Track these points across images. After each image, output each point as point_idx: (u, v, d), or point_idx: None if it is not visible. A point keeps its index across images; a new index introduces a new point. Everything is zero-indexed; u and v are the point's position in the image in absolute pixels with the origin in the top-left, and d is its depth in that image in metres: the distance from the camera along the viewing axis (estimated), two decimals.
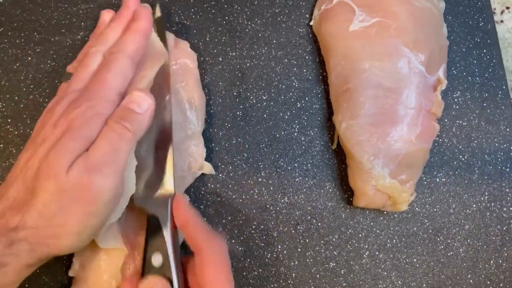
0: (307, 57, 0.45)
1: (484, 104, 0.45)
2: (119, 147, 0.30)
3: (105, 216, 0.31)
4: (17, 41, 0.43)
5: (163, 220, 0.34)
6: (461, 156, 0.44)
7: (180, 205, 0.34)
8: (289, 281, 0.41)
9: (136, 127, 0.32)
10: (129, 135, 0.31)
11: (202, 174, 0.42)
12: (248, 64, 0.45)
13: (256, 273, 0.41)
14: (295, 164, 0.43)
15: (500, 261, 0.42)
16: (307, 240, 0.42)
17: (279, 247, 0.41)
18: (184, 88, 0.41)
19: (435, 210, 0.43)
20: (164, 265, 0.32)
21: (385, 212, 0.43)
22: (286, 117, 0.44)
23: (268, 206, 0.42)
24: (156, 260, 0.32)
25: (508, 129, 0.45)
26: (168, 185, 0.35)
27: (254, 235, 0.41)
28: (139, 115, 0.32)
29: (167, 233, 0.33)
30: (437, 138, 0.44)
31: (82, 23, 0.44)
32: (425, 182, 0.43)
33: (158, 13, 0.41)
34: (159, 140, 0.36)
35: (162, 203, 0.34)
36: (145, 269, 0.32)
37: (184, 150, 0.40)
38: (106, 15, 0.39)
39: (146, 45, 0.36)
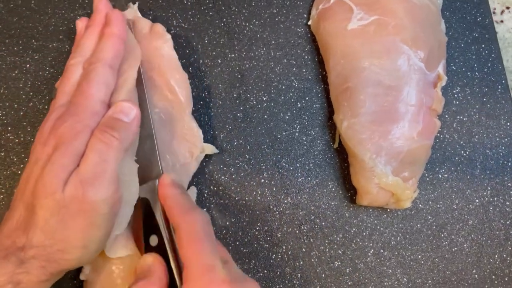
0: (306, 57, 0.45)
1: (484, 99, 0.45)
2: (107, 157, 0.31)
3: (108, 226, 0.31)
4: (15, 48, 0.43)
5: (153, 201, 0.34)
6: (462, 152, 0.44)
7: (163, 184, 0.33)
8: (294, 282, 0.41)
9: (123, 135, 0.32)
10: (116, 143, 0.31)
11: (203, 175, 0.42)
12: (247, 66, 0.45)
13: (261, 274, 0.41)
14: (297, 164, 0.43)
15: (505, 255, 0.42)
16: (312, 240, 0.42)
17: (284, 247, 0.41)
18: (162, 72, 0.40)
19: (438, 206, 0.43)
20: (160, 245, 0.33)
21: (388, 210, 0.43)
22: (287, 117, 0.44)
23: (271, 207, 0.42)
24: (153, 240, 0.33)
25: (508, 123, 0.45)
26: (155, 165, 0.36)
27: (258, 236, 0.41)
28: (126, 123, 0.32)
29: (157, 214, 0.34)
30: (438, 134, 0.44)
31: None
32: (427, 179, 0.43)
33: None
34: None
35: (151, 185, 0.35)
36: (145, 250, 0.34)
37: (181, 136, 0.40)
38: (81, 24, 0.39)
39: (123, 49, 0.36)
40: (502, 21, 0.50)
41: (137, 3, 0.42)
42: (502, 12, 0.50)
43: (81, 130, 0.31)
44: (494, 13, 0.50)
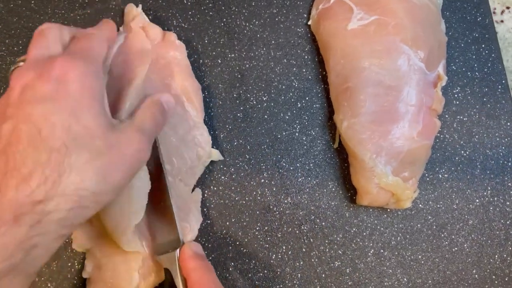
0: (306, 57, 0.45)
1: (484, 99, 0.45)
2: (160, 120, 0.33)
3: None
4: (15, 48, 0.43)
5: (174, 272, 0.35)
6: (462, 152, 0.44)
7: (183, 257, 0.34)
8: (294, 281, 0.41)
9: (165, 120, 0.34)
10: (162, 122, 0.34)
11: (203, 175, 0.42)
12: (247, 66, 0.45)
13: (261, 274, 0.41)
14: (297, 164, 0.43)
15: (505, 255, 0.42)
16: (312, 240, 0.42)
17: (284, 247, 0.41)
18: (175, 80, 0.41)
19: (438, 206, 0.43)
20: None
21: (388, 210, 0.43)
22: (287, 117, 0.44)
23: (271, 207, 0.42)
24: None
25: (509, 123, 0.45)
26: (175, 236, 0.36)
27: (258, 236, 0.41)
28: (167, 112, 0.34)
29: (179, 285, 0.34)
30: (438, 134, 0.44)
31: None
32: (427, 179, 0.43)
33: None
34: (156, 188, 0.36)
35: (171, 256, 0.35)
36: None
37: (190, 141, 0.40)
38: None
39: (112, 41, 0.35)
40: (502, 21, 0.50)
41: (140, 5, 0.42)
42: (502, 12, 0.50)
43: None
44: (494, 13, 0.50)
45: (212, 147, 0.42)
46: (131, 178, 0.30)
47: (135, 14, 0.41)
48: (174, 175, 0.39)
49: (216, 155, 0.41)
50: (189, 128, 0.40)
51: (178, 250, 0.35)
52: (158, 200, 0.37)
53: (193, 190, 0.41)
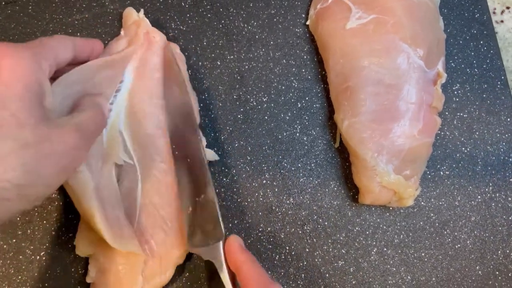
0: (305, 57, 0.45)
1: (484, 95, 0.45)
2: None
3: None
4: None
5: (219, 265, 0.35)
6: (463, 148, 0.44)
7: (232, 250, 0.34)
8: (298, 282, 0.41)
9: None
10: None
11: None
12: (246, 67, 0.45)
13: None
14: (299, 165, 0.43)
15: (508, 251, 0.42)
16: (315, 240, 0.42)
17: (287, 248, 0.41)
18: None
19: (440, 203, 0.43)
20: None
21: (391, 208, 0.43)
22: (287, 117, 0.44)
23: (274, 208, 0.42)
24: None
25: (509, 119, 0.45)
26: (218, 228, 0.36)
27: (261, 237, 0.41)
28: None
29: (224, 277, 0.34)
30: (439, 132, 0.44)
31: (78, 34, 0.44)
32: (429, 176, 0.43)
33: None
34: (196, 180, 0.37)
35: (214, 248, 0.35)
36: None
37: None
38: None
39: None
40: (502, 21, 0.50)
41: (142, 10, 0.42)
42: (502, 12, 0.50)
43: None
44: (494, 13, 0.50)
45: (213, 149, 0.42)
46: (66, 176, 0.29)
47: (137, 20, 0.41)
48: (172, 174, 0.39)
49: (211, 155, 0.41)
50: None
51: (221, 242, 0.35)
52: (199, 192, 0.37)
53: None
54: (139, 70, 0.39)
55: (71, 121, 0.30)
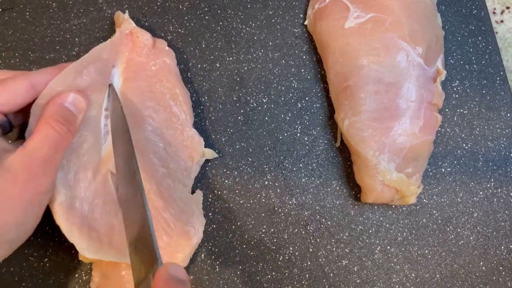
0: (304, 57, 0.45)
1: (483, 91, 0.45)
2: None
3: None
4: (12, 61, 0.43)
5: None
6: (464, 145, 0.44)
7: (157, 283, 0.26)
8: (303, 282, 0.41)
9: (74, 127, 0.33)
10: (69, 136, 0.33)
11: (207, 180, 0.42)
12: (245, 68, 0.44)
13: (269, 276, 0.41)
14: (300, 165, 0.43)
15: (511, 246, 0.42)
16: (318, 239, 0.42)
17: (291, 248, 0.41)
18: (165, 86, 0.40)
19: (442, 200, 0.43)
20: None
21: (393, 206, 0.43)
22: (288, 118, 0.44)
23: (276, 208, 0.42)
24: None
25: (508, 114, 0.45)
26: (151, 256, 0.28)
27: (265, 238, 0.41)
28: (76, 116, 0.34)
29: None
30: (439, 129, 0.44)
31: (76, 39, 0.44)
32: (431, 173, 0.43)
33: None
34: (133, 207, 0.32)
35: (147, 282, 0.28)
36: None
37: (180, 145, 0.40)
38: None
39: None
40: (502, 21, 0.50)
41: (127, 11, 0.41)
42: (502, 12, 0.50)
43: None
44: (494, 13, 0.50)
45: (214, 151, 0.42)
46: (35, 208, 0.29)
47: (122, 20, 0.40)
48: (172, 177, 0.39)
49: (210, 153, 0.41)
50: (177, 132, 0.40)
51: (150, 274, 0.27)
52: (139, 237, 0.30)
53: (193, 192, 0.41)
54: (126, 72, 0.39)
55: (23, 152, 0.29)
